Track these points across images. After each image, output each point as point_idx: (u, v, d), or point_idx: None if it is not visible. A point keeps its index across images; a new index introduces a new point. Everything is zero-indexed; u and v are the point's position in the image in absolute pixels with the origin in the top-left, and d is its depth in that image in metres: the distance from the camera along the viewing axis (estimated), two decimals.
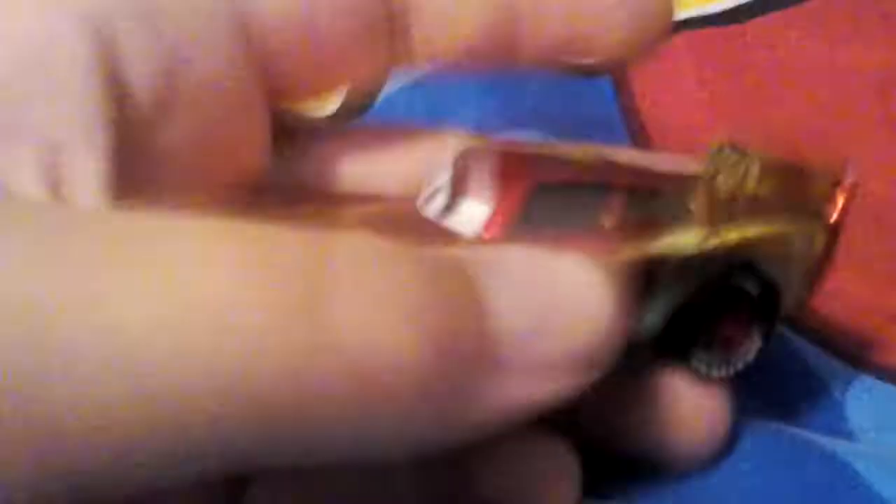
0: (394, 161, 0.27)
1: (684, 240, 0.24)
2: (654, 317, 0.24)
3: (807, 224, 0.26)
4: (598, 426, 0.26)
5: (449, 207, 0.24)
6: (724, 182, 0.26)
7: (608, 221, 0.24)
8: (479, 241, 0.23)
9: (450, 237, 0.24)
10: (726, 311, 0.25)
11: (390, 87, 0.40)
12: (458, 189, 0.24)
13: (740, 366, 0.26)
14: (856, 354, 0.32)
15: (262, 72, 0.24)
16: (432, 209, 0.25)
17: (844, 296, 0.33)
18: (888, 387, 0.31)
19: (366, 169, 0.27)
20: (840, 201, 0.26)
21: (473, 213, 0.24)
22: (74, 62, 0.20)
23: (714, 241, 0.24)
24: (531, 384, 0.18)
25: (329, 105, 0.40)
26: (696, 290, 0.24)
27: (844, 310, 0.33)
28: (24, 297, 0.14)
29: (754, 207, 0.25)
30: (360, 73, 0.26)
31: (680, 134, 0.39)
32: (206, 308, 0.14)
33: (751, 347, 0.26)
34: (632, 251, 0.23)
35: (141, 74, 0.21)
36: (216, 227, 0.16)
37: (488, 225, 0.24)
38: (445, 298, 0.17)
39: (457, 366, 0.17)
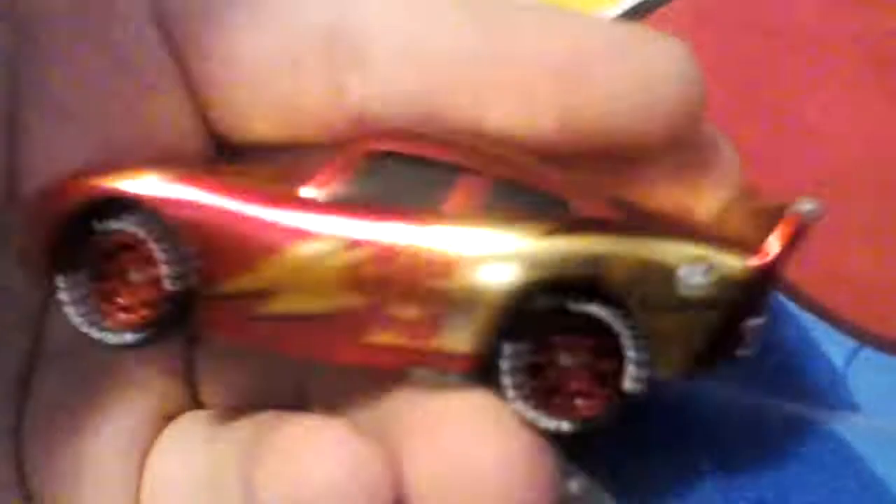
0: None
1: (500, 236, 0.21)
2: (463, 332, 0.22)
3: (723, 258, 0.21)
4: None
5: None
6: None
7: (450, 204, 0.22)
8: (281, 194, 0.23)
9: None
10: (573, 344, 0.22)
11: None
12: None
13: (574, 426, 0.22)
14: (858, 327, 0.31)
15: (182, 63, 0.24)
16: None
17: (846, 268, 0.33)
18: (890, 358, 0.31)
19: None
20: (778, 239, 0.22)
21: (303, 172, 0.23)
22: None
23: (537, 245, 0.21)
24: None
25: None
26: (512, 300, 0.21)
27: (846, 282, 0.32)
28: None
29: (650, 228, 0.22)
30: (307, 117, 0.25)
31: None
32: None
33: (598, 404, 0.22)
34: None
35: None
36: None
37: (304, 182, 0.23)
38: None
39: None
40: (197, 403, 0.27)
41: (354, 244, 0.22)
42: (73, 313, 0.23)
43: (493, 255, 0.21)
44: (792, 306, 0.32)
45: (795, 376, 0.30)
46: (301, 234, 0.22)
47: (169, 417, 0.26)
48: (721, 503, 0.27)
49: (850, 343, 0.31)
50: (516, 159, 0.23)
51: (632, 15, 0.42)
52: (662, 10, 0.41)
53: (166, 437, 0.26)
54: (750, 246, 0.22)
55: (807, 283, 0.33)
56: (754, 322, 0.22)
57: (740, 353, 0.22)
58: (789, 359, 0.31)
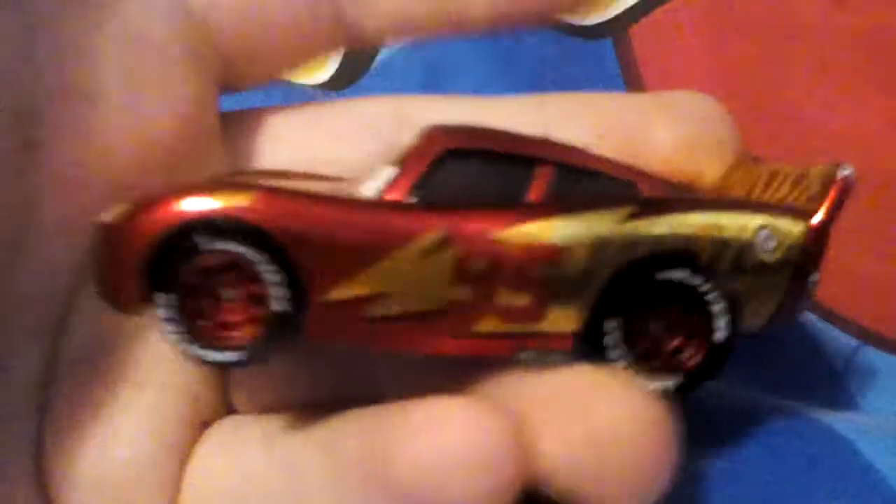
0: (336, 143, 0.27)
1: (597, 221, 0.23)
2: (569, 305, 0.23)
3: (783, 223, 0.24)
4: None
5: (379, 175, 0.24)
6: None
7: (532, 194, 0.24)
8: (378, 200, 0.23)
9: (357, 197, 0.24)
10: (663, 311, 0.24)
11: (388, 52, 0.39)
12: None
13: (675, 381, 0.24)
14: (859, 326, 0.31)
15: (203, 35, 0.25)
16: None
17: (849, 270, 0.33)
18: (890, 357, 0.31)
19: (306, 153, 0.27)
20: (828, 202, 0.24)
21: (383, 176, 0.24)
22: None
23: (631, 226, 0.23)
24: None
25: (323, 72, 0.40)
26: (612, 278, 0.23)
27: (849, 284, 0.32)
28: None
29: (718, 204, 0.24)
30: (305, 58, 0.27)
31: None
32: None
33: (696, 355, 0.24)
34: (540, 230, 0.23)
35: None
36: None
37: (391, 186, 0.23)
38: None
39: None
40: (227, 409, 0.27)
41: (459, 240, 0.23)
42: (172, 332, 0.22)
43: (594, 238, 0.23)
44: None
45: (797, 374, 0.30)
46: (407, 235, 0.23)
47: (203, 423, 0.26)
48: (721, 501, 0.27)
49: (852, 342, 0.31)
50: (571, 146, 0.25)
51: (631, 14, 0.42)
52: (662, 9, 0.41)
53: (210, 442, 0.25)
54: (803, 211, 0.24)
55: None
56: (814, 277, 0.25)
57: (804, 305, 0.25)
58: (791, 357, 0.31)
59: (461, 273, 0.23)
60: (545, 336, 0.23)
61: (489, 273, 0.23)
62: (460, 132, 0.24)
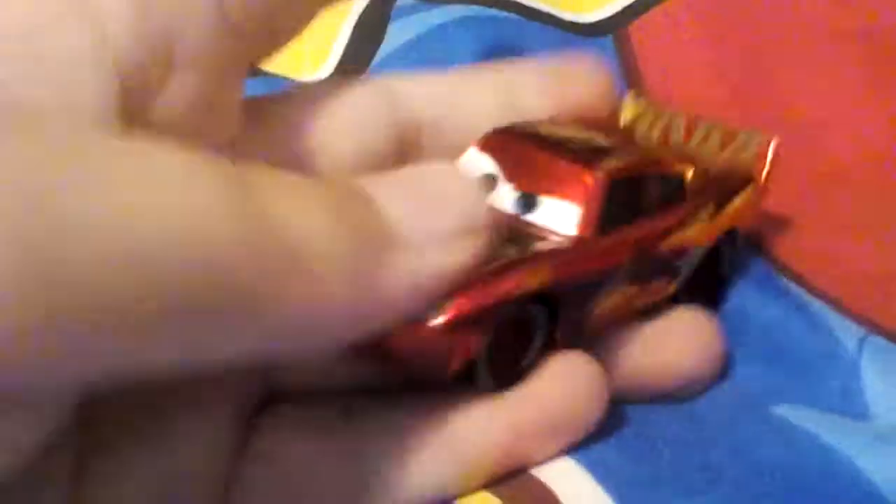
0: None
1: (701, 222, 0.29)
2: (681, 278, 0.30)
3: (753, 183, 0.31)
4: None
5: (527, 204, 0.26)
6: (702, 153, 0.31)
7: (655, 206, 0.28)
8: (573, 239, 0.26)
9: (544, 235, 0.26)
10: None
11: (387, 49, 0.40)
12: (524, 183, 0.26)
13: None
14: (870, 317, 0.31)
15: (240, 38, 0.24)
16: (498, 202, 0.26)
17: (857, 260, 0.33)
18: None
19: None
20: (768, 164, 0.31)
21: (562, 212, 0.26)
22: (75, 52, 0.21)
23: (719, 223, 0.30)
24: (424, 257, 0.22)
25: (322, 70, 0.40)
26: (707, 255, 0.30)
27: (858, 273, 0.32)
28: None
29: (727, 183, 0.31)
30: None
31: (682, 94, 0.39)
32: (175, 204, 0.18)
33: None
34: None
35: (132, 52, 0.22)
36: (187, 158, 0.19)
37: (582, 225, 0.26)
38: (349, 199, 0.22)
39: (362, 243, 0.21)
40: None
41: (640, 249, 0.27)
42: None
43: (701, 227, 0.30)
44: (808, 296, 0.32)
45: (808, 363, 0.30)
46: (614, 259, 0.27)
47: (246, 418, 0.25)
48: None
49: (862, 332, 0.31)
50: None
51: (628, 13, 0.42)
52: (661, 6, 0.41)
53: (263, 440, 0.25)
54: (752, 170, 0.32)
55: (810, 275, 0.33)
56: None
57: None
58: (803, 347, 0.30)
59: (638, 274, 0.27)
60: (669, 296, 0.29)
61: (654, 268, 0.28)
62: (593, 154, 0.27)
